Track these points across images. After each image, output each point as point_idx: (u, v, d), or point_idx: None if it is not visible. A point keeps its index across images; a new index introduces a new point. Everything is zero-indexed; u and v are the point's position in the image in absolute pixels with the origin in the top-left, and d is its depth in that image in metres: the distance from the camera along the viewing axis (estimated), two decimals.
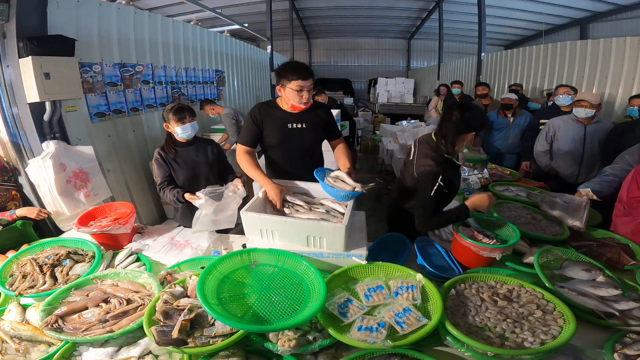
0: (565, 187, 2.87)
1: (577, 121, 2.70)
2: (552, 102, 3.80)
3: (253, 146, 1.84)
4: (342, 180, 1.55)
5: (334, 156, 1.93)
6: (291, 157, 1.89)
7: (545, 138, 2.90)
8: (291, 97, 1.72)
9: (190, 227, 1.94)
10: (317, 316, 1.06)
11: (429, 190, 1.49)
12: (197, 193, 1.77)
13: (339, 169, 1.69)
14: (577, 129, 2.71)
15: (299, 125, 1.84)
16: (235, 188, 1.84)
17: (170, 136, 1.99)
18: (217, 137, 4.43)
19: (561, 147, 2.81)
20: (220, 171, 2.12)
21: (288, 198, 1.61)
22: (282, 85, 1.73)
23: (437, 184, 1.48)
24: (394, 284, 1.22)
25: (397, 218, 1.96)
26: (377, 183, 1.55)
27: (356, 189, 1.47)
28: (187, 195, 1.85)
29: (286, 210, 1.56)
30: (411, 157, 1.72)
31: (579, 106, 2.63)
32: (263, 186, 1.65)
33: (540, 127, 3.08)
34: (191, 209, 1.98)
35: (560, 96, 3.15)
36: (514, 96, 3.67)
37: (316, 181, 1.56)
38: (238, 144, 1.84)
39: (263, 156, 2.03)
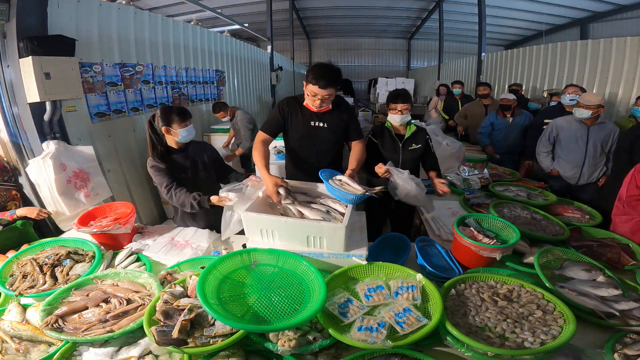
0: (566, 188, 2.87)
1: (581, 122, 2.67)
2: (554, 102, 3.80)
3: (273, 136, 1.90)
4: (347, 184, 1.55)
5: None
6: (311, 153, 1.95)
7: (547, 139, 2.88)
8: (306, 96, 1.82)
9: (189, 226, 1.95)
10: (317, 316, 1.06)
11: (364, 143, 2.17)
12: (221, 194, 1.65)
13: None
14: (580, 130, 2.68)
15: (321, 124, 1.90)
16: (255, 183, 1.71)
17: (154, 143, 1.84)
18: (219, 138, 4.45)
19: (564, 148, 2.79)
20: (218, 174, 2.08)
21: (284, 203, 1.58)
22: (305, 82, 1.79)
23: (368, 137, 2.18)
24: (394, 284, 1.22)
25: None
26: (385, 187, 1.56)
27: (366, 193, 1.47)
28: (214, 198, 1.68)
29: (285, 202, 1.55)
30: None
31: (577, 106, 2.63)
32: (262, 179, 1.65)
33: (544, 127, 3.06)
34: (194, 212, 1.95)
35: (568, 95, 3.12)
36: (512, 96, 3.67)
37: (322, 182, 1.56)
38: (260, 131, 1.90)
39: (285, 156, 2.11)
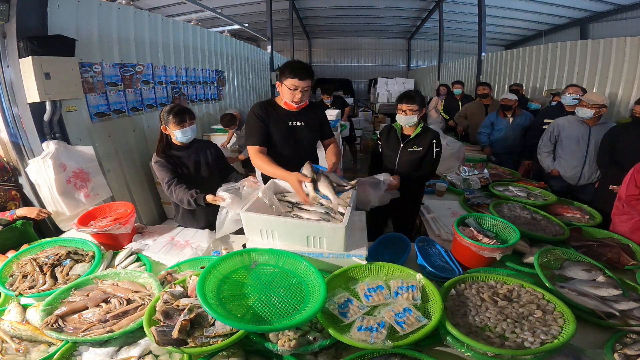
0: (566, 188, 2.87)
1: (582, 122, 2.66)
2: (555, 101, 3.80)
3: (265, 145, 1.82)
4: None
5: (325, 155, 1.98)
6: (290, 153, 1.91)
7: (549, 138, 2.87)
8: (285, 94, 1.78)
9: (190, 227, 1.95)
10: (317, 316, 1.06)
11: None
12: (218, 193, 1.65)
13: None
14: (582, 130, 2.67)
15: (299, 124, 1.89)
16: (252, 184, 1.71)
17: (165, 139, 1.91)
18: (219, 137, 4.44)
19: (565, 148, 2.78)
20: (221, 172, 2.09)
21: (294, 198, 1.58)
22: (280, 81, 1.77)
23: (377, 140, 2.35)
24: (394, 284, 1.22)
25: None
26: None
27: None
28: (209, 198, 1.70)
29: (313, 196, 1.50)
30: None
31: (580, 106, 2.62)
32: (284, 179, 1.60)
33: (544, 127, 3.06)
34: (194, 210, 1.96)
35: (569, 95, 3.11)
36: (513, 97, 3.67)
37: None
38: (248, 146, 1.81)
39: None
